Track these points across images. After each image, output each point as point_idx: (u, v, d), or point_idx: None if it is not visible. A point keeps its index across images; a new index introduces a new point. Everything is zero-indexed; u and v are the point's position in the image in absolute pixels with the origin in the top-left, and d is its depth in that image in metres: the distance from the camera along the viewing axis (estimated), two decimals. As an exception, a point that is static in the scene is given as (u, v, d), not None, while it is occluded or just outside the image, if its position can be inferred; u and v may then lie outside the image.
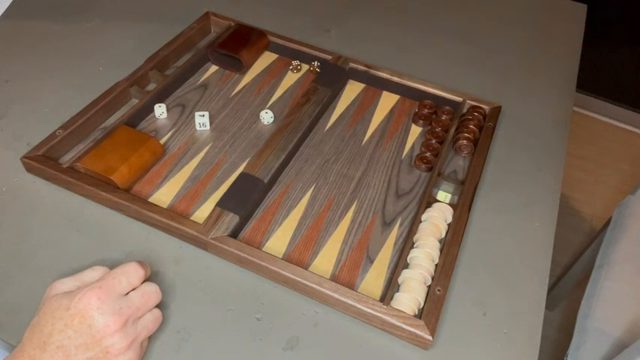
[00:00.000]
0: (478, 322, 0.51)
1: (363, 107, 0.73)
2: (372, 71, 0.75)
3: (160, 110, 0.67)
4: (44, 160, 0.58)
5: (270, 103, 0.72)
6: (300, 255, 0.55)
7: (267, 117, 0.68)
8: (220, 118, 0.69)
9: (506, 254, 0.57)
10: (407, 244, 0.55)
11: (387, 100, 0.74)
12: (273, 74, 0.76)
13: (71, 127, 0.61)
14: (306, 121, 0.66)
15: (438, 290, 0.51)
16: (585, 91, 1.96)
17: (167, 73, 0.72)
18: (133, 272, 0.44)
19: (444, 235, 0.57)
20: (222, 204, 0.55)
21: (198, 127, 0.67)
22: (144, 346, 0.45)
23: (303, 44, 0.78)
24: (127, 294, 0.43)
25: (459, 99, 0.72)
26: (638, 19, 1.80)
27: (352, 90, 0.75)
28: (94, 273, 0.45)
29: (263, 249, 0.54)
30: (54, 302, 0.42)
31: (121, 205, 0.55)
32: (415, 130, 0.70)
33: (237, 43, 0.75)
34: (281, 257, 0.53)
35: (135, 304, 0.43)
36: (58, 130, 0.61)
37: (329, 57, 0.76)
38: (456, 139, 0.67)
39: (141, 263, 0.45)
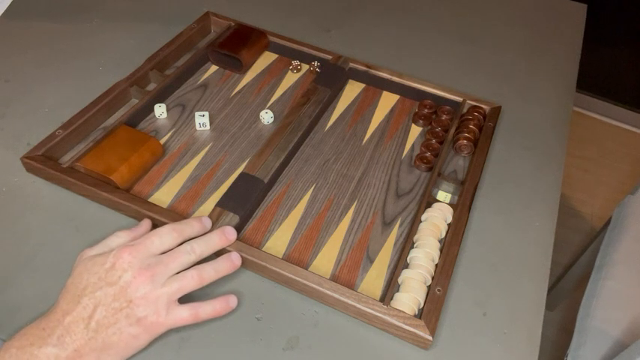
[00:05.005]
0: (478, 322, 0.51)
1: (363, 107, 0.73)
2: (372, 71, 0.75)
3: (160, 110, 0.67)
4: (44, 160, 0.58)
5: (270, 103, 0.72)
6: (300, 255, 0.55)
7: (267, 117, 0.68)
8: (220, 118, 0.69)
9: (506, 254, 0.57)
10: (407, 244, 0.55)
11: (387, 100, 0.74)
12: (273, 74, 0.76)
13: (71, 127, 0.61)
14: (306, 121, 0.66)
15: (438, 290, 0.51)
16: (585, 91, 1.97)
17: (167, 73, 0.72)
18: (165, 235, 0.46)
19: (444, 235, 0.57)
20: (222, 204, 0.55)
21: (198, 127, 0.67)
22: (202, 313, 0.46)
23: (303, 44, 0.78)
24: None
25: (459, 99, 0.72)
26: (638, 19, 1.80)
27: (352, 90, 0.75)
28: (119, 239, 0.48)
29: (263, 249, 0.54)
30: (88, 261, 0.45)
31: (121, 205, 0.55)
32: (415, 130, 0.70)
33: (237, 43, 0.75)
34: (281, 257, 0.53)
35: (163, 261, 0.45)
36: (58, 130, 0.61)
37: (329, 57, 0.76)
38: (456, 139, 0.67)
39: (185, 224, 0.48)
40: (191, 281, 0.46)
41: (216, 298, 0.47)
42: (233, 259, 0.49)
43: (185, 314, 0.45)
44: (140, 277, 0.43)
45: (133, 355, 0.45)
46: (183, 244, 0.47)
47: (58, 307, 0.43)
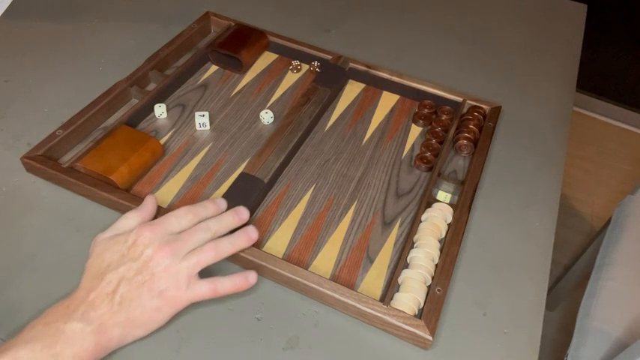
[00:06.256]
0: (478, 322, 0.51)
1: (363, 107, 0.73)
2: (372, 71, 0.75)
3: (160, 110, 0.67)
4: (44, 160, 0.58)
5: (270, 103, 0.72)
6: (300, 255, 0.55)
7: (267, 117, 0.68)
8: (220, 118, 0.69)
9: (506, 254, 0.57)
10: (407, 244, 0.55)
11: (387, 100, 0.74)
12: (273, 74, 0.76)
13: (71, 127, 0.61)
14: (306, 121, 0.66)
15: (438, 290, 0.51)
16: (585, 91, 1.97)
17: (167, 73, 0.72)
18: (182, 216, 0.48)
19: (444, 235, 0.57)
20: (222, 204, 0.55)
21: (198, 127, 0.67)
22: (221, 287, 0.47)
23: (303, 44, 0.78)
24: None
25: (459, 99, 0.72)
26: (638, 19, 1.80)
27: (352, 90, 0.75)
28: (129, 220, 0.49)
29: (263, 249, 0.54)
30: (108, 241, 0.47)
31: (121, 205, 0.55)
32: (415, 130, 0.70)
33: (237, 43, 0.75)
34: (281, 257, 0.53)
35: (181, 238, 0.46)
36: (58, 130, 0.61)
37: (329, 57, 0.76)
38: (456, 139, 0.67)
39: (200, 206, 0.50)
40: (209, 254, 0.47)
41: (235, 273, 0.48)
42: (249, 233, 0.50)
43: (204, 288, 0.46)
44: (161, 251, 0.45)
45: (155, 330, 0.46)
46: (200, 223, 0.48)
47: (81, 286, 0.44)
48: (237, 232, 0.50)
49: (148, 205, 0.51)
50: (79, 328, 0.41)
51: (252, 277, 0.48)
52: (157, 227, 0.46)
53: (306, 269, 0.51)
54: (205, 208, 0.50)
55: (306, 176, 0.63)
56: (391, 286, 0.51)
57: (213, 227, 0.48)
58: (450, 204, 0.59)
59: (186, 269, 0.45)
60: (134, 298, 0.44)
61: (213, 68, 0.76)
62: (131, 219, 0.49)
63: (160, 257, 0.45)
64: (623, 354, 0.72)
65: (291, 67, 0.77)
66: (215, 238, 0.48)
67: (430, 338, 0.47)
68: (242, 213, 0.51)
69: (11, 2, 0.75)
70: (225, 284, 0.47)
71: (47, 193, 0.58)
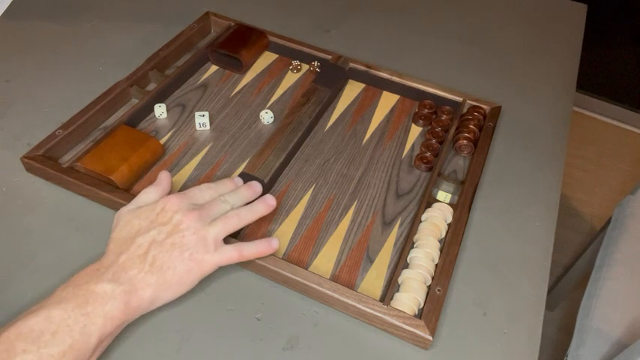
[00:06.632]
0: (478, 322, 0.51)
1: (363, 107, 0.73)
2: (372, 71, 0.75)
3: (160, 110, 0.67)
4: (44, 160, 0.58)
5: (270, 103, 0.72)
6: (300, 255, 0.55)
7: (267, 117, 0.68)
8: (220, 118, 0.69)
9: (506, 254, 0.57)
10: (407, 244, 0.55)
11: (387, 100, 0.74)
12: (273, 74, 0.76)
13: (71, 127, 0.61)
14: (306, 121, 0.66)
15: (438, 290, 0.51)
16: (585, 91, 1.96)
17: (167, 73, 0.72)
18: (204, 190, 0.51)
19: (444, 235, 0.57)
20: (222, 204, 0.55)
21: (198, 127, 0.67)
22: (247, 251, 0.50)
23: (303, 44, 0.78)
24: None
25: (459, 99, 0.72)
26: (638, 19, 1.80)
27: (352, 90, 0.75)
28: (150, 195, 0.51)
29: (263, 249, 0.54)
30: (134, 211, 0.49)
31: (121, 205, 0.55)
32: (415, 130, 0.70)
33: (237, 43, 0.75)
34: (281, 257, 0.53)
35: (205, 207, 0.49)
36: (58, 130, 0.61)
37: (329, 57, 0.76)
38: (456, 139, 0.67)
39: (218, 183, 0.53)
40: (233, 220, 0.50)
41: (259, 239, 0.51)
42: (267, 200, 0.53)
43: (231, 252, 0.49)
44: (190, 215, 0.47)
45: (184, 292, 0.47)
46: (219, 197, 0.51)
47: (110, 250, 0.46)
48: (256, 201, 0.53)
49: (164, 180, 0.53)
50: (109, 288, 0.43)
51: (274, 242, 0.51)
52: (183, 196, 0.49)
53: (306, 269, 0.51)
54: (223, 184, 0.54)
55: (306, 176, 0.63)
56: (391, 286, 0.51)
57: (230, 200, 0.51)
58: (450, 204, 0.59)
59: (213, 233, 0.48)
60: (165, 260, 0.45)
61: (213, 68, 0.76)
62: (150, 193, 0.51)
63: (189, 220, 0.47)
64: (623, 354, 0.72)
65: (291, 67, 0.77)
66: (233, 209, 0.51)
67: (430, 338, 0.47)
68: (256, 186, 0.55)
69: (11, 2, 0.75)
70: (250, 248, 0.50)
71: (47, 193, 0.58)
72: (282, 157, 0.61)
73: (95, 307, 0.41)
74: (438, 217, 0.57)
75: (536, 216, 0.61)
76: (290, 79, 0.76)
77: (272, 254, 0.52)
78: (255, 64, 0.77)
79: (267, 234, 0.56)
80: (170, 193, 0.52)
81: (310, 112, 0.67)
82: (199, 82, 0.74)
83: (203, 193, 0.51)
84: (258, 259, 0.51)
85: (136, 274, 0.44)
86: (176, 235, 0.46)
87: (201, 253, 0.47)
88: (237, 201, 0.52)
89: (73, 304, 0.41)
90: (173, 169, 0.62)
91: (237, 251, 0.49)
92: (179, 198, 0.49)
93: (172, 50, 0.74)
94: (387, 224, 0.59)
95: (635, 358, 0.69)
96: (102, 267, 0.44)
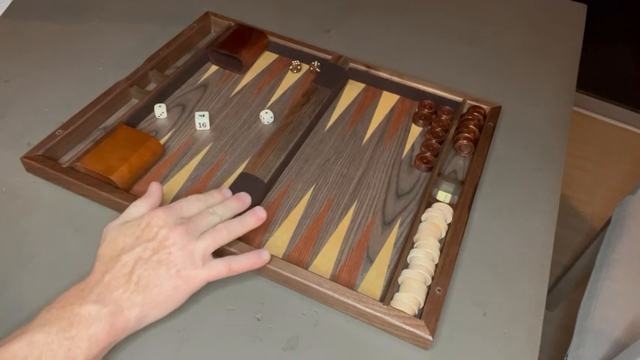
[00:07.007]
0: (478, 322, 0.51)
1: (363, 107, 0.73)
2: (372, 71, 0.75)
3: (160, 110, 0.67)
4: (44, 160, 0.58)
5: (270, 103, 0.72)
6: (300, 255, 0.55)
7: (267, 117, 0.68)
8: (220, 118, 0.69)
9: (506, 254, 0.57)
10: (407, 244, 0.55)
11: (387, 100, 0.74)
12: (273, 74, 0.76)
13: (71, 127, 0.61)
14: (306, 121, 0.66)
15: (438, 290, 0.51)
16: (585, 91, 1.96)
17: (167, 73, 0.72)
18: (191, 202, 0.50)
19: (444, 235, 0.57)
20: (222, 204, 0.55)
21: (198, 127, 0.67)
22: (236, 265, 0.48)
23: (303, 44, 0.78)
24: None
25: (459, 99, 0.72)
26: (638, 19, 1.80)
27: (352, 90, 0.75)
28: (139, 208, 0.49)
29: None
30: (121, 227, 0.47)
31: (121, 205, 0.55)
32: (415, 130, 0.70)
33: (237, 43, 0.75)
34: (281, 257, 0.53)
35: (193, 221, 0.48)
36: (58, 130, 0.61)
37: (329, 57, 0.76)
38: (456, 139, 0.67)
39: (207, 195, 0.52)
40: (222, 234, 0.48)
41: (249, 251, 0.50)
42: (257, 213, 0.51)
43: (220, 266, 0.47)
44: (176, 230, 0.46)
45: (173, 310, 0.46)
46: (207, 209, 0.50)
47: (95, 270, 0.45)
48: (246, 213, 0.51)
49: (154, 192, 0.51)
50: (94, 310, 0.41)
51: (265, 254, 0.50)
52: (169, 210, 0.48)
53: (306, 269, 0.51)
54: (212, 196, 0.52)
55: (306, 176, 0.63)
56: (391, 286, 0.51)
57: (219, 212, 0.50)
58: (450, 204, 0.59)
59: (202, 248, 0.46)
60: (151, 278, 0.44)
61: (213, 68, 0.76)
62: (140, 206, 0.50)
63: (175, 236, 0.46)
64: (623, 354, 0.72)
65: (291, 67, 0.77)
66: (222, 221, 0.50)
67: (430, 338, 0.47)
68: (245, 198, 0.53)
69: (11, 2, 0.75)
70: (240, 262, 0.49)
71: (47, 193, 0.58)
72: (282, 157, 0.61)
73: (80, 330, 0.40)
74: (438, 217, 0.57)
75: (536, 216, 0.61)
76: (290, 79, 0.76)
77: (273, 255, 0.52)
78: (255, 64, 0.77)
79: (267, 234, 0.56)
80: (163, 203, 0.52)
81: (310, 112, 0.67)
82: (199, 82, 0.74)
83: (190, 205, 0.49)
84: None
85: (122, 294, 0.43)
86: (162, 252, 0.45)
87: (189, 269, 0.45)
88: (225, 213, 0.50)
89: (57, 328, 0.40)
90: (173, 169, 0.62)
91: (226, 266, 0.48)
92: (165, 212, 0.47)
93: (172, 50, 0.74)
94: (387, 224, 0.59)
95: (635, 358, 0.69)
96: (87, 287, 0.43)
